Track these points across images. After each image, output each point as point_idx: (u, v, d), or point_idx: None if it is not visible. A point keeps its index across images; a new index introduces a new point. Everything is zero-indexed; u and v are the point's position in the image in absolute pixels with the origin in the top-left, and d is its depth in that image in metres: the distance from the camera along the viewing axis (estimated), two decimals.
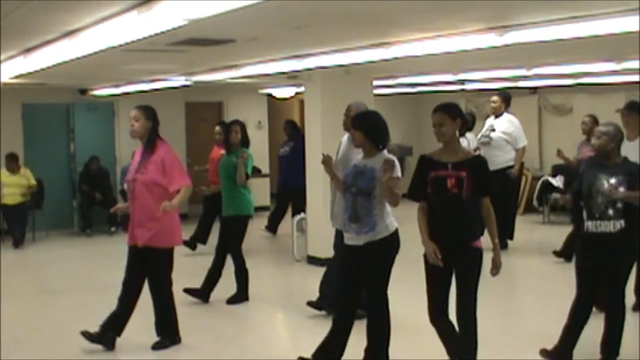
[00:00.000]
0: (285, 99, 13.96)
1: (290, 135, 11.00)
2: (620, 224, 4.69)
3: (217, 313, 6.77)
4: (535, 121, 13.10)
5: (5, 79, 7.84)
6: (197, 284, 6.96)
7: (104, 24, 4.41)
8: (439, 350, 4.55)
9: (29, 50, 5.99)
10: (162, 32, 4.38)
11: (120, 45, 5.03)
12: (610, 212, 4.68)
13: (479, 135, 9.48)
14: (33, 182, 10.98)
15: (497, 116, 9.39)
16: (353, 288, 4.87)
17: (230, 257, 6.92)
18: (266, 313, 6.78)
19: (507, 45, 5.23)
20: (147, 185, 5.35)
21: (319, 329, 5.20)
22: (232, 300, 6.89)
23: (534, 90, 12.98)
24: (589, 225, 4.76)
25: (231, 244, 6.89)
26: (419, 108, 15.40)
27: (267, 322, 6.55)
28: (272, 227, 10.98)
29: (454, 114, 4.36)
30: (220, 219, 7.16)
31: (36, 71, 7.00)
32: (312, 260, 8.57)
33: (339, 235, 5.54)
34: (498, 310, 6.76)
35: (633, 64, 7.88)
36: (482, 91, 12.96)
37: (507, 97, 9.51)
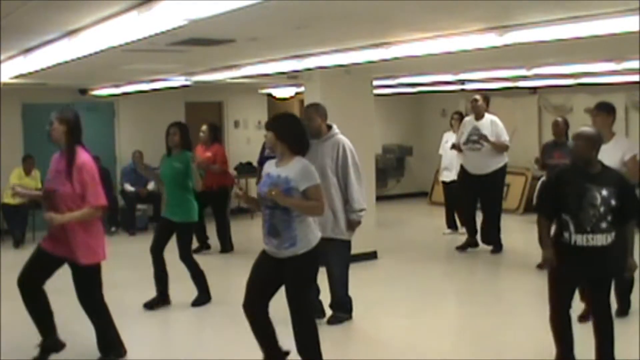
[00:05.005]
0: (285, 99, 13.95)
1: None
2: (611, 236, 4.54)
3: (214, 314, 6.76)
4: (535, 121, 13.09)
5: (5, 79, 7.83)
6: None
7: (104, 24, 4.41)
8: None
9: (29, 50, 5.99)
10: (162, 32, 4.38)
11: (120, 45, 5.03)
12: (603, 225, 4.49)
13: (464, 140, 9.15)
14: (39, 185, 10.99)
15: (478, 118, 9.14)
16: (265, 297, 4.68)
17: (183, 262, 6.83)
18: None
19: (507, 45, 5.22)
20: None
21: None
22: (196, 303, 6.87)
23: (534, 90, 12.98)
24: (578, 238, 4.52)
25: (182, 251, 6.80)
26: (419, 108, 15.40)
27: None
28: None
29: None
30: (160, 220, 7.06)
31: (36, 71, 7.00)
32: None
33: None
34: (497, 310, 6.78)
35: (633, 64, 7.87)
36: (482, 91, 12.95)
37: (487, 97, 9.29)
